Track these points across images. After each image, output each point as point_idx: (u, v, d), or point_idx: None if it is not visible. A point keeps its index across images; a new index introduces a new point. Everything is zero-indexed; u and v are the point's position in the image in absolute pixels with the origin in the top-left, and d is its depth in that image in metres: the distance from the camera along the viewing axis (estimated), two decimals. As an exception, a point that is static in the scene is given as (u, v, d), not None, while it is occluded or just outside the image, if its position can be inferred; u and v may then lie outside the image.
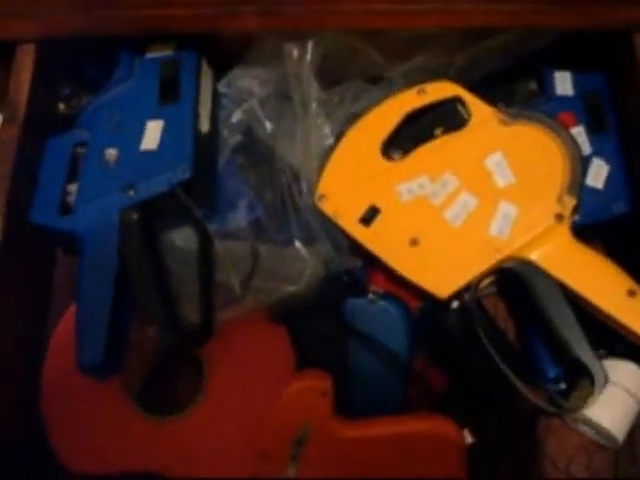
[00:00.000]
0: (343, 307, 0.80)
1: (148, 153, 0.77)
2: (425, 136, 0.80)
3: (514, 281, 0.76)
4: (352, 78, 0.85)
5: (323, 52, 0.81)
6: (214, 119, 0.83)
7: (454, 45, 0.83)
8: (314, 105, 0.82)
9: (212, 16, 0.78)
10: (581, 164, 0.76)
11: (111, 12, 0.77)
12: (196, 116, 0.80)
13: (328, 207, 0.79)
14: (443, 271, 0.76)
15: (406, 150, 0.80)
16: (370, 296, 0.80)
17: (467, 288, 0.76)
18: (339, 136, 0.81)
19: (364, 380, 0.79)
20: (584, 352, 0.73)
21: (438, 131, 0.80)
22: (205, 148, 0.80)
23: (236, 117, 0.84)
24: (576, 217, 0.77)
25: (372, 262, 0.80)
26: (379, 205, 0.78)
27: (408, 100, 0.81)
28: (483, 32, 0.81)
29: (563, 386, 0.78)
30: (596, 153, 0.82)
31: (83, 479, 0.77)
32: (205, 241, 0.78)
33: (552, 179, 0.76)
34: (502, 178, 0.77)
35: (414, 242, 0.76)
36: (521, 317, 0.84)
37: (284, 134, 0.83)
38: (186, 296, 0.77)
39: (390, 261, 0.77)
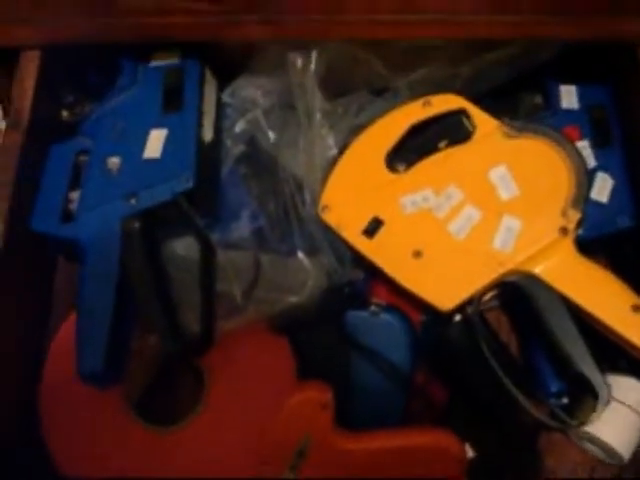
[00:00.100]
0: (345, 319, 0.79)
1: (151, 162, 0.77)
2: (430, 148, 0.79)
3: (517, 295, 0.76)
4: (356, 89, 0.85)
5: (327, 62, 0.81)
6: (217, 129, 0.83)
7: (459, 57, 0.82)
8: (318, 115, 0.82)
9: (214, 25, 0.77)
10: (586, 177, 0.76)
11: (113, 19, 0.77)
12: (199, 125, 0.79)
13: (331, 218, 0.78)
14: (446, 284, 0.75)
15: (410, 162, 0.79)
16: (372, 308, 0.79)
17: (470, 301, 0.75)
18: (343, 147, 0.81)
19: (365, 392, 0.78)
20: (587, 367, 0.72)
21: (443, 143, 0.79)
22: (208, 158, 0.80)
23: (239, 127, 0.84)
24: (580, 231, 0.76)
25: (375, 274, 0.80)
26: (383, 217, 0.77)
27: (413, 112, 0.80)
28: (488, 44, 0.81)
29: (565, 401, 0.78)
30: (601, 167, 0.82)
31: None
32: (207, 250, 0.77)
33: (557, 192, 0.76)
34: (506, 191, 0.76)
35: (417, 254, 0.76)
36: (524, 331, 0.84)
37: (288, 144, 0.83)
38: (187, 305, 0.76)
39: (393, 273, 0.76)
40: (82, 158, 0.80)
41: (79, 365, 0.72)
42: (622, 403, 0.74)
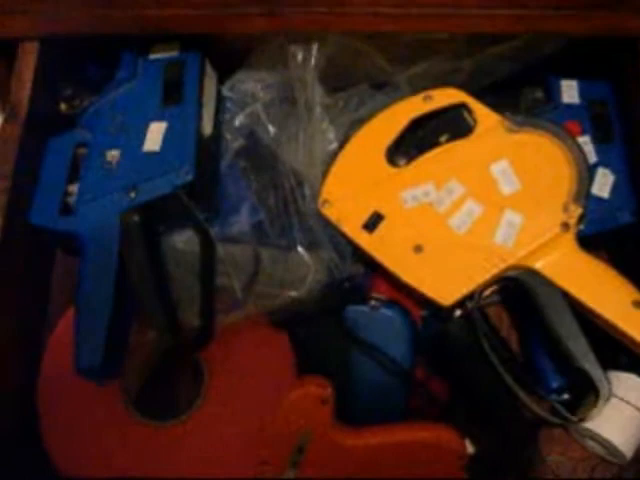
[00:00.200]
0: (345, 313, 0.79)
1: (150, 155, 0.77)
2: (430, 143, 0.79)
3: (518, 290, 0.76)
4: (357, 83, 0.84)
5: (328, 56, 0.81)
6: (217, 122, 0.82)
7: (460, 51, 0.82)
8: (318, 109, 0.81)
9: (215, 17, 0.77)
10: (588, 172, 0.76)
11: (112, 11, 0.77)
12: (199, 119, 0.79)
13: (331, 212, 0.78)
14: (447, 279, 0.75)
15: (411, 156, 0.79)
16: (372, 303, 0.79)
17: (470, 296, 0.75)
18: (343, 141, 0.81)
19: (365, 387, 0.78)
20: (588, 362, 0.72)
21: (443, 138, 0.79)
22: (207, 151, 0.80)
23: (239, 121, 0.84)
24: (581, 226, 0.76)
25: (375, 269, 0.80)
26: (383, 211, 0.77)
27: (414, 106, 0.80)
28: (490, 38, 0.81)
29: (566, 396, 0.77)
30: (602, 162, 0.81)
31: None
32: (207, 244, 0.77)
33: (558, 187, 0.75)
34: (508, 186, 0.76)
35: (418, 249, 0.75)
36: (524, 326, 0.83)
37: (288, 138, 0.82)
38: (186, 299, 0.76)
39: (393, 268, 0.76)
40: (81, 151, 0.80)
41: (77, 360, 0.72)
42: (624, 401, 0.74)
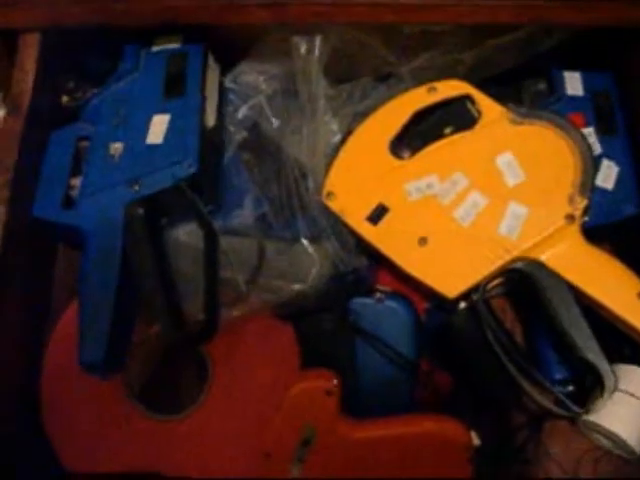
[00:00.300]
0: (350, 306, 0.79)
1: (153, 147, 0.76)
2: (434, 135, 0.79)
3: (523, 282, 0.76)
4: (360, 75, 0.84)
5: (331, 48, 0.80)
6: (220, 114, 0.82)
7: (464, 43, 0.82)
8: (322, 101, 0.81)
9: (217, 8, 0.77)
10: (592, 164, 0.76)
11: (114, 2, 0.76)
12: (202, 111, 0.79)
13: (336, 205, 0.78)
14: (452, 271, 0.75)
15: (415, 148, 0.79)
16: (377, 295, 0.79)
17: (475, 288, 0.75)
18: (347, 133, 0.81)
19: (370, 379, 0.78)
20: (593, 353, 0.73)
21: (448, 130, 0.79)
22: (211, 144, 0.79)
23: (242, 113, 0.83)
24: (586, 218, 0.76)
25: (379, 261, 0.80)
26: (387, 203, 0.77)
27: (418, 98, 0.80)
28: (493, 30, 0.81)
29: (570, 388, 0.77)
30: (605, 154, 0.81)
31: (83, 478, 0.76)
32: (210, 237, 0.77)
33: (563, 179, 0.75)
34: (512, 178, 0.76)
35: (423, 241, 0.75)
36: (529, 318, 0.83)
37: (291, 130, 0.82)
38: (191, 293, 0.75)
39: (398, 260, 0.76)
40: (83, 144, 0.79)
41: (80, 354, 0.71)
42: (630, 394, 0.74)
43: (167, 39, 0.82)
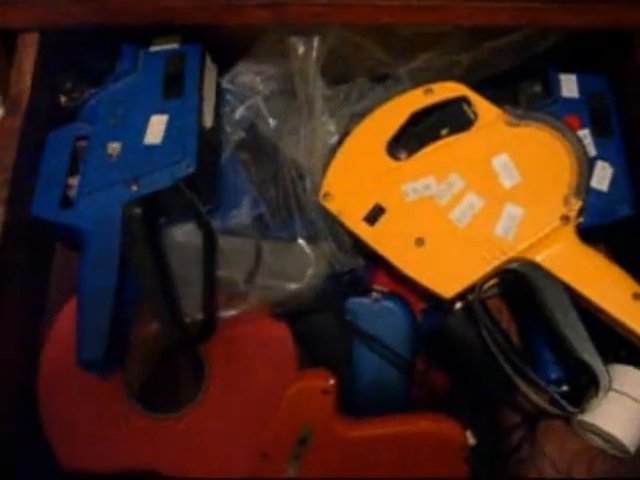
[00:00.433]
0: (346, 306, 0.79)
1: (151, 147, 0.77)
2: (431, 136, 0.79)
3: (519, 282, 0.76)
4: (357, 76, 0.84)
5: (329, 48, 0.80)
6: (217, 115, 0.82)
7: (461, 45, 0.82)
8: (319, 102, 0.81)
9: (215, 8, 0.77)
10: (587, 165, 0.76)
11: (112, 2, 0.77)
12: (200, 111, 0.79)
13: (333, 205, 0.78)
14: (448, 271, 0.76)
15: (411, 150, 0.79)
16: (373, 295, 0.79)
17: (471, 289, 0.76)
18: (344, 134, 0.81)
19: (367, 379, 0.78)
20: (588, 353, 0.73)
21: (444, 131, 0.79)
22: (208, 144, 0.79)
23: (239, 113, 0.84)
24: (581, 219, 0.77)
25: (376, 261, 0.80)
26: (384, 204, 0.77)
27: (415, 99, 0.80)
28: (490, 32, 0.81)
29: (565, 388, 0.78)
30: (600, 156, 0.82)
31: (81, 478, 0.76)
32: (209, 237, 0.77)
33: (558, 180, 0.76)
34: (508, 179, 0.76)
35: (419, 242, 0.76)
36: (525, 319, 0.84)
37: (288, 131, 0.82)
38: (189, 292, 0.76)
39: (395, 260, 0.76)
40: (81, 143, 0.79)
41: (79, 352, 0.72)
42: (625, 394, 0.74)
43: (165, 39, 0.83)
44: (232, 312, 0.77)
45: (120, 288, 0.73)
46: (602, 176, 0.81)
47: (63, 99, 0.82)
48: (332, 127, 0.81)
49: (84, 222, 0.75)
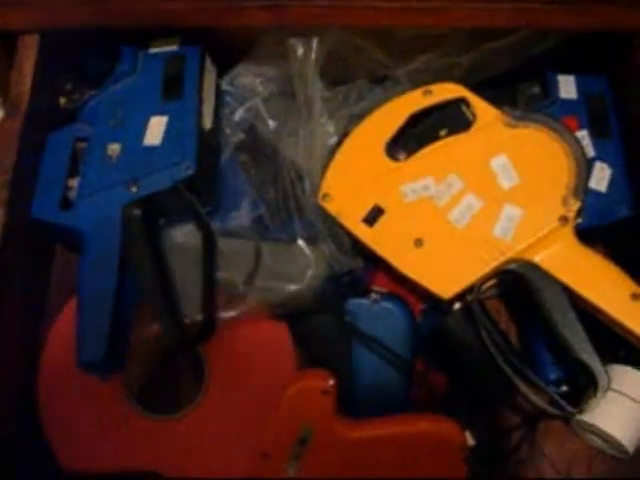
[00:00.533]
0: (346, 306, 0.79)
1: (151, 149, 0.77)
2: (430, 137, 0.80)
3: (517, 283, 0.76)
4: (357, 77, 0.85)
5: (328, 50, 0.81)
6: (217, 117, 0.83)
7: (460, 46, 0.82)
8: (318, 104, 0.81)
9: (215, 10, 0.78)
10: (586, 166, 0.76)
11: (111, 4, 0.77)
12: (199, 113, 0.79)
13: (332, 206, 0.78)
14: (447, 272, 0.76)
15: (410, 151, 0.79)
16: (373, 296, 0.80)
17: (470, 289, 0.76)
18: (343, 135, 0.81)
19: (366, 380, 0.79)
20: (587, 354, 0.73)
21: (443, 132, 0.80)
22: (208, 146, 0.80)
23: (239, 115, 0.84)
24: (579, 220, 0.77)
25: (375, 262, 0.80)
26: (383, 205, 0.78)
27: (413, 100, 0.80)
28: (489, 33, 0.81)
29: (564, 388, 0.78)
30: (599, 157, 0.82)
31: (82, 479, 0.77)
32: (208, 238, 0.77)
33: (557, 181, 0.76)
34: (507, 180, 0.77)
35: (418, 242, 0.76)
36: (523, 319, 0.84)
37: (287, 132, 0.82)
38: (188, 293, 0.76)
39: (394, 261, 0.77)
40: (81, 145, 0.80)
41: (80, 354, 0.72)
42: (624, 394, 0.74)
43: (164, 41, 0.83)
44: (232, 313, 0.77)
45: (120, 289, 0.73)
46: (601, 177, 0.81)
47: (63, 101, 0.82)
48: (331, 128, 0.81)
49: (84, 223, 0.76)
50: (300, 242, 0.79)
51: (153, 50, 0.83)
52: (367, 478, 0.74)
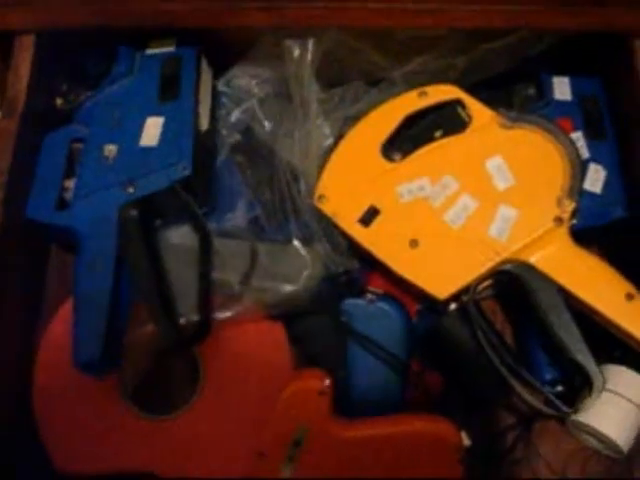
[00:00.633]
0: (341, 307, 0.80)
1: (148, 150, 0.77)
2: (425, 138, 0.80)
3: (513, 284, 0.76)
4: (352, 79, 0.85)
5: (324, 52, 0.81)
6: (213, 118, 0.83)
7: (455, 48, 0.82)
8: (314, 105, 0.81)
9: (213, 11, 0.78)
10: (580, 168, 0.77)
11: (110, 4, 0.77)
12: (196, 114, 0.79)
13: (328, 207, 0.78)
14: (442, 272, 0.76)
15: (406, 152, 0.80)
16: (368, 296, 0.80)
17: (466, 290, 0.76)
18: (339, 136, 0.81)
19: (362, 380, 0.79)
20: (582, 354, 0.73)
21: (438, 133, 0.80)
22: (204, 147, 0.80)
23: (235, 116, 0.84)
24: (574, 221, 0.77)
25: (371, 263, 0.80)
26: (379, 206, 0.78)
27: (409, 102, 0.81)
28: (484, 35, 0.82)
29: (560, 389, 0.78)
30: (594, 158, 0.82)
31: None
32: (204, 239, 0.77)
33: (551, 182, 0.76)
34: (502, 181, 0.77)
35: (414, 243, 0.76)
36: (519, 320, 0.84)
37: (283, 134, 0.83)
38: (184, 293, 0.76)
39: (389, 262, 0.77)
40: (77, 146, 0.80)
41: (76, 354, 0.72)
42: (619, 395, 0.74)
43: (161, 42, 0.83)
44: (228, 314, 0.78)
45: (116, 290, 0.73)
46: (595, 178, 0.81)
47: (59, 101, 0.82)
48: (327, 130, 0.82)
49: (80, 224, 0.76)
50: (296, 243, 0.79)
51: (150, 51, 0.83)
52: (363, 478, 0.74)
